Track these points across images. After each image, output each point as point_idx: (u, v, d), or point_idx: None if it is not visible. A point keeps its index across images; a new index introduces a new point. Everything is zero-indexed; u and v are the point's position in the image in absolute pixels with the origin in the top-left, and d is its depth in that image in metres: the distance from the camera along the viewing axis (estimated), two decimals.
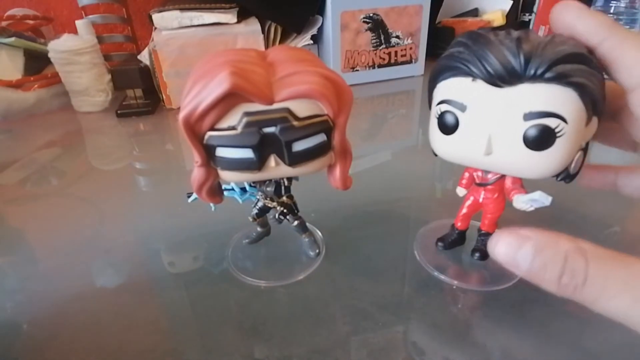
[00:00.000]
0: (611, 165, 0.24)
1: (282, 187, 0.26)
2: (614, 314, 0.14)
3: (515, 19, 0.81)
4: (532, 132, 0.18)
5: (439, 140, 0.22)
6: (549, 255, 0.15)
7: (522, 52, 0.17)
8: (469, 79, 0.19)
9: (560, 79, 0.17)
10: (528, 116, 0.18)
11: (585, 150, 0.20)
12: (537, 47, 0.17)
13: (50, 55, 0.60)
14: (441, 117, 0.21)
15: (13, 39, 0.62)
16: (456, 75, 0.20)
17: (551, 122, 0.18)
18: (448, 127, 0.21)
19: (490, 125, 0.19)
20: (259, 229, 0.30)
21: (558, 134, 0.18)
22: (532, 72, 0.17)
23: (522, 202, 0.22)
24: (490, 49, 0.18)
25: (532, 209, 0.22)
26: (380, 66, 0.72)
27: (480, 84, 0.19)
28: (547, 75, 0.17)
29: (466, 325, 0.24)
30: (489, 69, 0.18)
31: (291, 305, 0.26)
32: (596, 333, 0.23)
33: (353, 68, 0.71)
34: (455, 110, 0.20)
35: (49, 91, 0.65)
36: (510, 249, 0.15)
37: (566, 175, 0.20)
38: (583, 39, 0.18)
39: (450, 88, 0.20)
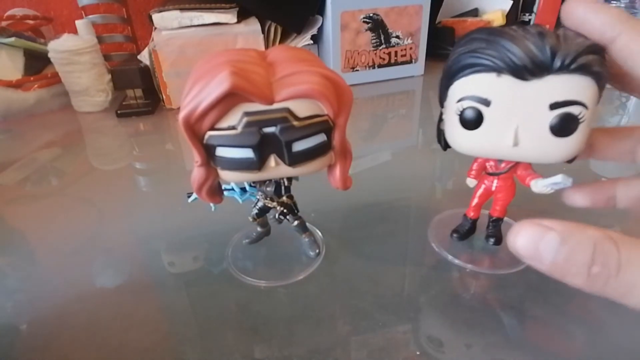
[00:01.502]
0: (606, 180, 0.23)
1: (282, 187, 0.26)
2: None
3: (515, 19, 0.81)
4: (559, 121, 0.19)
5: (460, 136, 0.22)
6: (575, 244, 0.13)
7: (547, 45, 0.18)
8: (492, 75, 0.20)
9: (583, 69, 0.18)
10: (554, 106, 0.19)
11: None
12: (559, 41, 0.18)
13: (50, 55, 0.60)
14: (463, 114, 0.21)
15: (13, 39, 0.62)
16: (478, 71, 0.20)
17: (575, 110, 0.19)
18: (471, 123, 0.21)
19: (516, 118, 0.20)
20: (259, 229, 0.30)
21: (581, 120, 0.19)
22: (558, 64, 0.18)
23: (543, 186, 0.23)
24: (516, 44, 0.19)
25: (551, 191, 0.23)
26: (380, 66, 0.72)
27: (506, 78, 0.19)
28: (573, 66, 0.18)
29: (475, 314, 0.24)
30: (517, 62, 0.19)
31: (291, 305, 0.26)
32: (611, 314, 0.23)
33: (353, 68, 0.71)
34: (479, 106, 0.20)
35: (49, 91, 0.65)
36: (532, 240, 0.14)
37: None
38: (597, 33, 0.18)
39: (471, 84, 0.21)
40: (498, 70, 0.19)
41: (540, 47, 0.18)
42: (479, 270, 0.27)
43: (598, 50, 0.19)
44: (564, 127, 0.19)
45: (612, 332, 0.23)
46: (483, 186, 0.28)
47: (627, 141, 0.22)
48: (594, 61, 0.18)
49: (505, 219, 0.29)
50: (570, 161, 0.22)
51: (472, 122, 0.21)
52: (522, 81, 0.19)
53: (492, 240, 0.29)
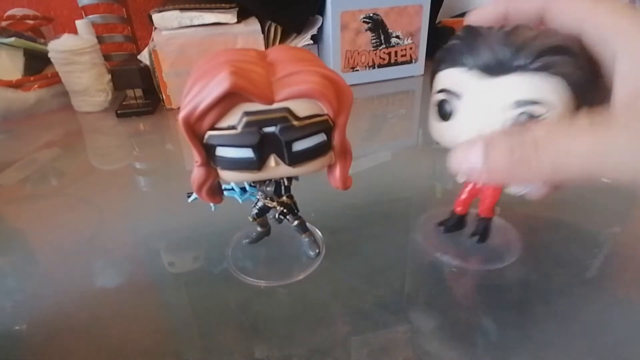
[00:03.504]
0: None
1: (282, 187, 0.26)
2: (578, 170, 0.14)
3: None
4: (520, 120, 0.19)
5: (436, 126, 0.23)
6: (496, 143, 0.15)
7: (510, 43, 0.19)
8: (464, 69, 0.21)
9: (547, 69, 0.18)
10: (516, 104, 0.19)
11: None
12: (525, 39, 0.19)
13: (50, 55, 0.60)
14: (439, 105, 0.22)
15: (13, 39, 0.62)
16: (452, 65, 0.21)
17: (537, 110, 0.19)
18: (445, 114, 0.22)
19: (482, 113, 0.21)
20: (259, 229, 0.30)
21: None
22: (520, 62, 0.19)
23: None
24: (481, 41, 0.19)
25: (522, 193, 0.23)
26: (380, 66, 0.72)
27: (474, 74, 0.20)
28: (534, 65, 0.18)
29: (473, 314, 0.24)
30: (479, 59, 0.20)
31: (291, 305, 0.26)
32: (596, 310, 0.23)
33: (353, 68, 0.71)
34: (452, 98, 0.22)
35: (49, 91, 0.65)
36: (462, 155, 0.16)
37: None
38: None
39: (447, 78, 0.22)
40: (468, 66, 0.20)
41: (504, 44, 0.19)
42: (467, 266, 0.28)
43: (571, 52, 0.18)
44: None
45: (610, 328, 0.23)
46: (471, 183, 0.28)
47: None
48: (561, 62, 0.18)
49: (497, 219, 0.29)
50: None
51: (445, 113, 0.22)
52: (488, 77, 0.20)
53: (476, 237, 0.29)
